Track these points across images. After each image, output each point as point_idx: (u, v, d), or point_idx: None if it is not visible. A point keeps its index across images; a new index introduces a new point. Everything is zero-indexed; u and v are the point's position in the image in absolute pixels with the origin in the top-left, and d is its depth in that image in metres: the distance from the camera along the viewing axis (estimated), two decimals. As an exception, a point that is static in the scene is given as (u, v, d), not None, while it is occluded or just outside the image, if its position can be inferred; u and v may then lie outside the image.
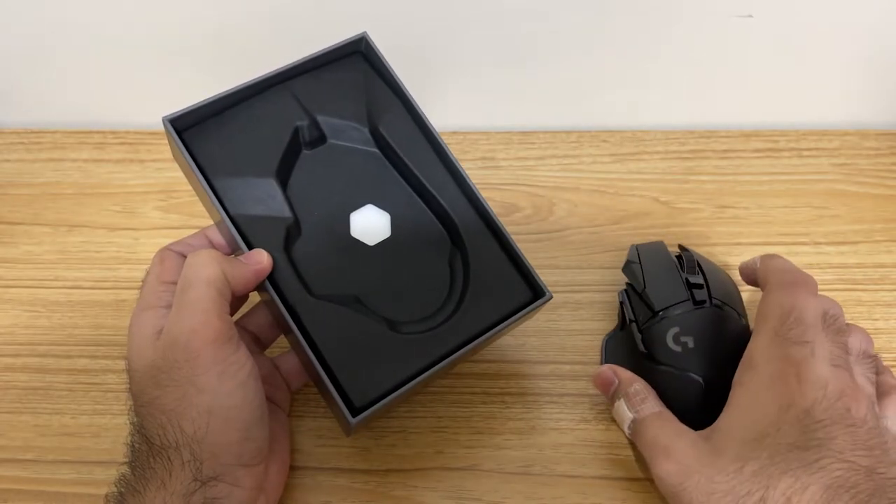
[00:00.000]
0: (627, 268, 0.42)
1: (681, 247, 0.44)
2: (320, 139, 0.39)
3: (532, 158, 0.52)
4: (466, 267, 0.37)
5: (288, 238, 0.37)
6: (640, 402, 0.37)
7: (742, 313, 0.40)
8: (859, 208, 0.49)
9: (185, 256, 0.36)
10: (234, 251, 0.38)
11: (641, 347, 0.39)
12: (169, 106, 0.55)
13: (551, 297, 0.36)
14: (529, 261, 0.37)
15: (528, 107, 0.54)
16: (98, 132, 0.54)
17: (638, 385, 0.37)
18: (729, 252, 0.47)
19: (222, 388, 0.32)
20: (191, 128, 0.38)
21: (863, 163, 0.51)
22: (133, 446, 0.33)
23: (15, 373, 0.43)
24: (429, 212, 0.38)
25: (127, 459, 0.33)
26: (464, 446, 0.40)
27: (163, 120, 0.37)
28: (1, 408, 0.42)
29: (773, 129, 0.53)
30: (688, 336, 0.38)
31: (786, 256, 0.47)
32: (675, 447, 0.34)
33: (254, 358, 0.34)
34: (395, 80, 0.39)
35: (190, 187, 0.52)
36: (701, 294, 0.39)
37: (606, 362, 0.42)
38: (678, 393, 0.37)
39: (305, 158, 0.39)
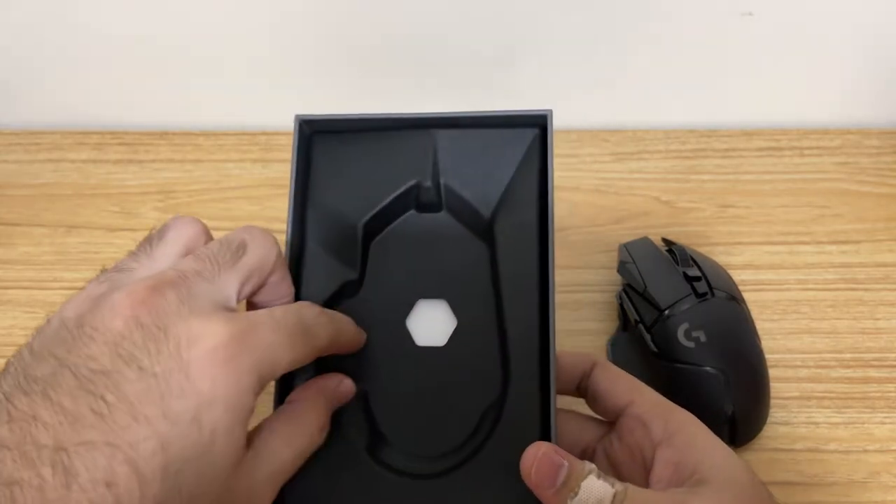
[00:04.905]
0: (623, 268, 0.42)
1: (666, 240, 0.44)
2: (435, 206, 0.34)
3: (532, 158, 0.52)
4: (490, 435, 0.30)
5: (340, 293, 0.32)
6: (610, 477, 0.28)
7: (740, 299, 0.40)
8: (861, 207, 0.49)
9: None
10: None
11: (653, 348, 0.39)
12: (168, 106, 0.55)
13: None
14: None
15: (527, 106, 0.54)
16: (97, 133, 0.54)
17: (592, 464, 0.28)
18: (730, 251, 0.47)
19: None
20: (316, 134, 0.34)
21: (865, 161, 0.51)
22: None
23: (13, 374, 0.43)
24: (497, 346, 0.32)
25: None
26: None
27: (295, 117, 0.33)
28: (-1, 410, 0.42)
29: (774, 127, 0.53)
30: (699, 330, 0.38)
31: (787, 255, 0.47)
32: None
33: None
34: (548, 177, 0.33)
35: (189, 188, 0.52)
36: (701, 286, 0.39)
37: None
38: (698, 388, 0.37)
39: (409, 219, 0.34)
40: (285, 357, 0.25)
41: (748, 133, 0.53)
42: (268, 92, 0.53)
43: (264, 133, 0.53)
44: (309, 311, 0.27)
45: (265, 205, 0.50)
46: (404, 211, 0.34)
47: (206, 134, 0.53)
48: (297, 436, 0.27)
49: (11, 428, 0.20)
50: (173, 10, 0.48)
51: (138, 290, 0.23)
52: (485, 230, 0.33)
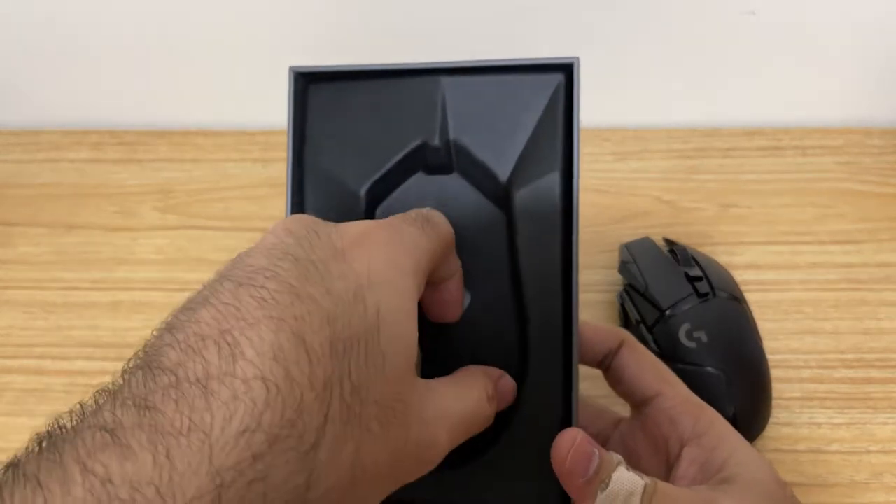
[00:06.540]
0: (624, 268, 0.42)
1: (667, 240, 0.44)
2: (445, 168, 0.30)
3: (533, 157, 0.52)
4: (509, 420, 0.28)
5: None
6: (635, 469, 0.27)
7: (742, 299, 0.40)
8: (864, 207, 0.49)
9: None
10: None
11: (655, 348, 0.39)
12: (167, 106, 0.55)
13: None
14: None
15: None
16: (95, 132, 0.54)
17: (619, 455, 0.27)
18: (732, 251, 0.47)
19: None
20: (312, 87, 0.31)
21: (867, 161, 0.51)
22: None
23: (12, 374, 0.43)
24: (515, 325, 0.29)
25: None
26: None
27: (289, 69, 0.30)
28: (-3, 410, 0.42)
29: (776, 127, 0.53)
30: (700, 331, 0.38)
31: (789, 255, 0.47)
32: None
33: None
34: (574, 134, 0.29)
35: (188, 188, 0.52)
36: (703, 286, 0.39)
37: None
38: (700, 389, 0.37)
39: (417, 182, 0.30)
40: (425, 244, 0.25)
41: (750, 132, 0.52)
42: (268, 91, 0.53)
43: (264, 133, 0.53)
44: (416, 209, 0.27)
45: (265, 205, 0.50)
46: (411, 173, 0.30)
47: (206, 133, 0.53)
48: (463, 396, 0.25)
49: (174, 333, 0.20)
50: (173, 9, 0.48)
51: (285, 218, 0.24)
52: (501, 196, 0.30)
